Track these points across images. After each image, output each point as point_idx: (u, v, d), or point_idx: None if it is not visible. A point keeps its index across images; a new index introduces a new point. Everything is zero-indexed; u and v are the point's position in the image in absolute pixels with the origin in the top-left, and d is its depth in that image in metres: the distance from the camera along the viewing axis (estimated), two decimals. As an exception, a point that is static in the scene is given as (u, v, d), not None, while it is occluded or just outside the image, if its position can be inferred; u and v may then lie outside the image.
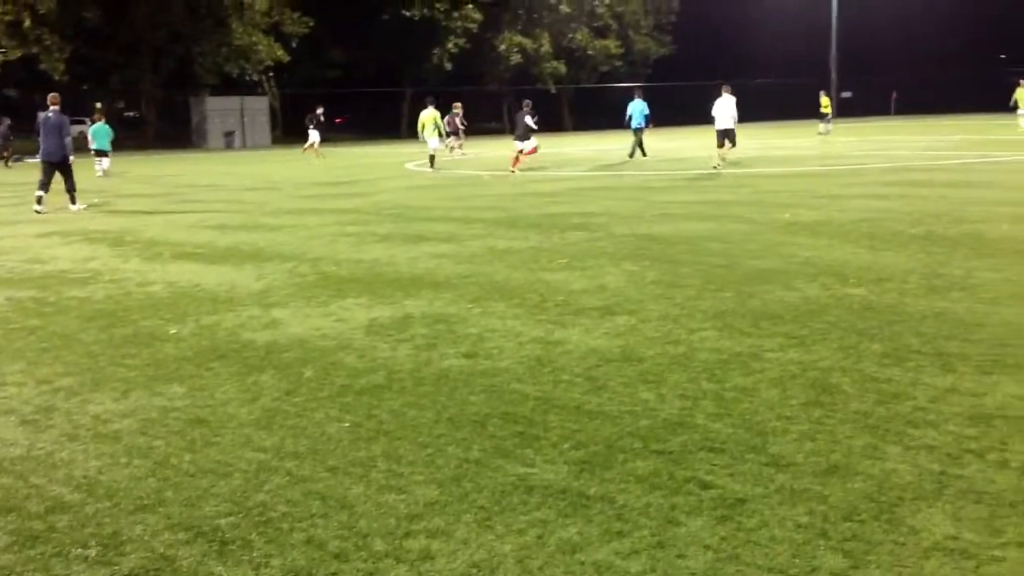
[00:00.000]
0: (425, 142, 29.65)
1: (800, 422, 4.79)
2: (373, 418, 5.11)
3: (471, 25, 73.36)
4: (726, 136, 25.37)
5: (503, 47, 77.72)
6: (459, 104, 38.06)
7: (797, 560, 3.36)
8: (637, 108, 30.74)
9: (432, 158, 29.17)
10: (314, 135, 40.72)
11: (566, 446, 4.57)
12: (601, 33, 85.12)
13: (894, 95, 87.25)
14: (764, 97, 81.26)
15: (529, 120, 26.14)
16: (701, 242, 11.31)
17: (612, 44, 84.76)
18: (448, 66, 73.51)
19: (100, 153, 31.04)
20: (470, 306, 8.03)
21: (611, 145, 39.63)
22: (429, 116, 29.27)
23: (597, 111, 79.45)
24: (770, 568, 3.32)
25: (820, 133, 45.70)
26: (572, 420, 4.95)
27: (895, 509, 3.74)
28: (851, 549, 3.43)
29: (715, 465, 4.27)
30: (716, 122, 25.59)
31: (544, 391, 5.50)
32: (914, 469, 4.13)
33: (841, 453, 4.35)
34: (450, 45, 73.10)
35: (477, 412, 5.15)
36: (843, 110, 71.23)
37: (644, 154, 30.50)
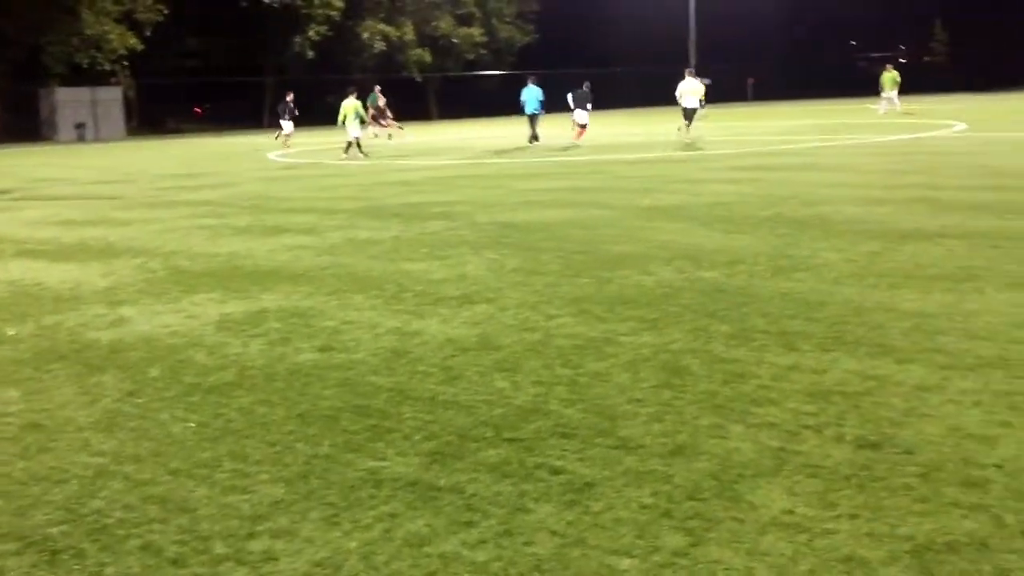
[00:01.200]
0: (347, 131, 28.99)
1: (649, 404, 4.87)
2: (221, 417, 4.96)
3: (333, 12, 72.20)
4: (691, 113, 29.47)
5: (366, 35, 76.83)
6: (376, 88, 38.16)
7: (641, 541, 3.41)
8: (532, 94, 30.80)
9: (357, 145, 28.55)
10: (288, 126, 38.88)
11: (418, 437, 4.53)
12: (465, 21, 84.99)
13: (751, 81, 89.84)
14: (626, 84, 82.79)
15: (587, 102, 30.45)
16: (561, 228, 11.41)
17: (476, 32, 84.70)
18: (311, 54, 72.22)
19: None
20: (327, 299, 7.91)
21: (477, 133, 39.63)
22: (350, 106, 28.66)
23: (463, 100, 79.45)
24: (614, 550, 3.35)
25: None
26: (426, 411, 4.92)
27: (735, 486, 3.83)
28: (693, 527, 3.50)
29: (566, 451, 4.30)
30: (682, 101, 29.48)
31: (399, 383, 5.44)
32: (755, 446, 4.25)
33: (687, 433, 4.43)
34: (311, 33, 71.77)
35: (330, 407, 5.06)
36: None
37: (536, 139, 30.58)
